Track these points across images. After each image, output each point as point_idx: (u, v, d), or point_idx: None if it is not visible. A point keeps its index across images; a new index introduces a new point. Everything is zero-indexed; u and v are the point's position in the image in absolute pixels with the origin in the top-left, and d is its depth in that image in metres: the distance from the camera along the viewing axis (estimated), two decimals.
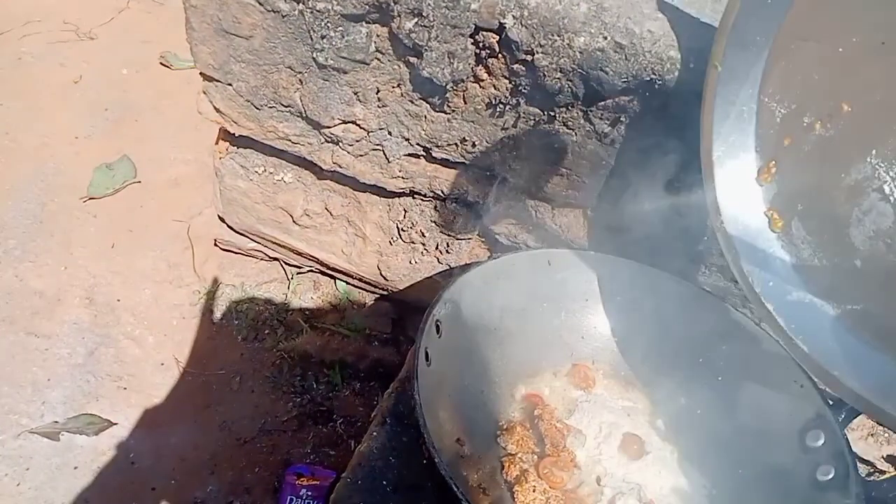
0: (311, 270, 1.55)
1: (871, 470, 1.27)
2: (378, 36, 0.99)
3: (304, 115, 1.12)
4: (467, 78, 0.99)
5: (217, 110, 1.19)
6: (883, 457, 1.27)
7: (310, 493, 1.26)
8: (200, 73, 1.14)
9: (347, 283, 1.52)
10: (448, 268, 1.31)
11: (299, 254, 1.45)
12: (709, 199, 0.90)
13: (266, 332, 1.53)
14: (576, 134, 1.01)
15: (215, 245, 1.60)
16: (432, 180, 1.19)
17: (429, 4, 0.91)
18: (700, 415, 0.97)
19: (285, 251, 1.47)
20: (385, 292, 1.47)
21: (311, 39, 1.01)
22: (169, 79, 2.13)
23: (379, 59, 1.02)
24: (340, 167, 1.20)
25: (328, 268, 1.46)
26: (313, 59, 1.03)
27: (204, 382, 1.44)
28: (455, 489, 0.69)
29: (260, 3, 0.99)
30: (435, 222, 1.27)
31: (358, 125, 1.11)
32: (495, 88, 1.00)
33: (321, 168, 1.22)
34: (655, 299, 1.03)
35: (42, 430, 1.29)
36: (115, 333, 1.48)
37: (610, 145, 1.00)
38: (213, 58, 1.09)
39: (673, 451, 0.96)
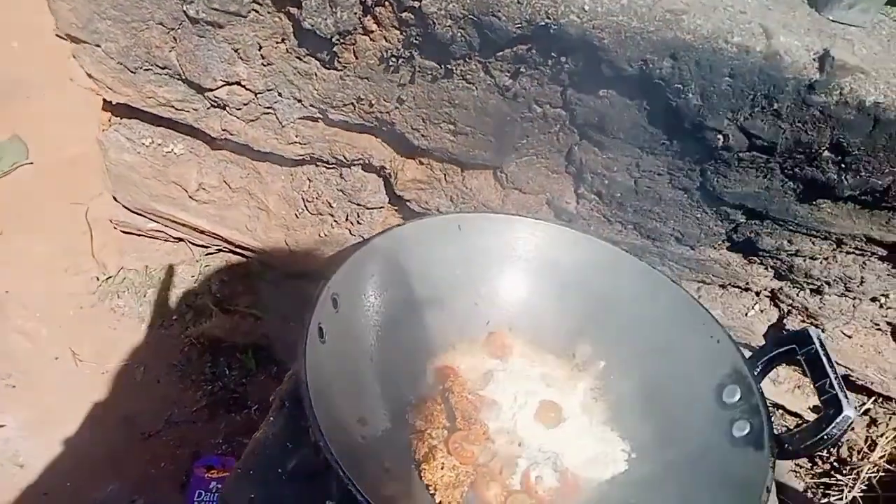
0: (221, 250, 1.45)
1: (799, 422, 1.27)
2: None
3: (183, 76, 1.02)
4: (355, 29, 0.91)
5: (89, 76, 1.07)
6: (810, 408, 1.26)
7: (219, 486, 1.17)
8: (66, 35, 1.02)
9: (258, 261, 1.43)
10: (362, 240, 1.23)
11: (202, 232, 1.34)
12: None
13: (173, 317, 1.43)
14: (476, 88, 0.94)
15: (116, 228, 1.48)
16: (333, 145, 1.11)
17: None
18: (618, 377, 0.93)
19: (188, 230, 1.36)
20: (298, 269, 1.38)
21: None
22: (66, 51, 1.97)
23: (257, 11, 0.92)
24: (231, 134, 1.10)
25: (235, 246, 1.37)
26: (184, 12, 0.93)
27: (104, 375, 1.34)
28: (342, 474, 0.62)
29: None
30: (342, 191, 1.18)
31: (243, 86, 1.02)
32: (386, 41, 0.92)
33: (211, 136, 1.12)
34: (572, 260, 0.98)
35: None
36: (2, 328, 1.35)
37: (513, 99, 0.94)
38: (75, 15, 0.98)
39: (592, 416, 0.92)
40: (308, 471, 0.85)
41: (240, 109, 1.05)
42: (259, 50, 0.97)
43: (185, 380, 1.35)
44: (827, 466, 1.30)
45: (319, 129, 1.09)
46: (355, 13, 0.89)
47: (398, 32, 0.90)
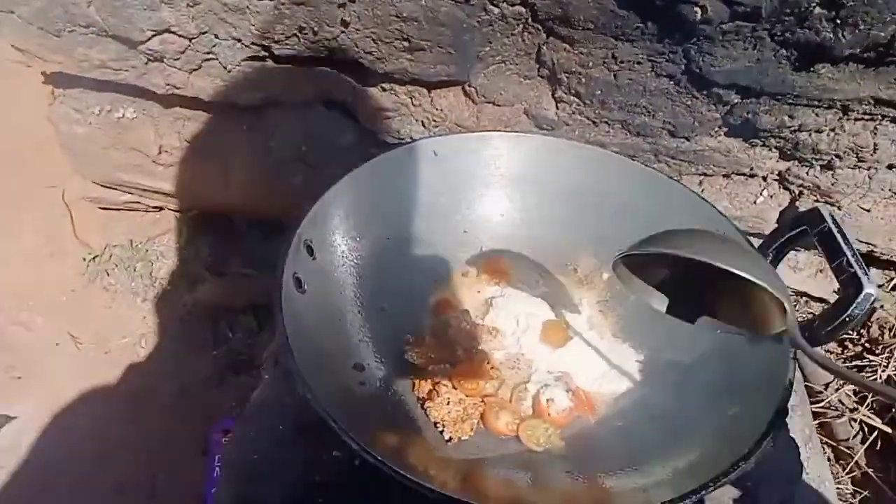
0: (202, 213, 1.40)
1: (824, 306, 1.21)
2: None
3: (109, 32, 0.94)
4: None
5: (14, 47, 0.99)
6: (835, 291, 1.20)
7: None
8: None
9: (241, 219, 1.38)
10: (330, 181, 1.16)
11: (175, 197, 1.29)
12: None
13: (167, 288, 1.40)
14: None
15: (94, 206, 1.43)
16: (288, 84, 1.03)
17: None
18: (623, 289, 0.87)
19: (162, 197, 1.31)
20: (282, 222, 1.32)
21: None
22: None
23: None
24: (177, 88, 1.03)
25: (214, 206, 1.31)
26: None
27: (107, 355, 1.32)
28: (334, 425, 0.59)
29: None
30: (308, 133, 1.11)
31: (174, 33, 0.93)
32: None
33: (157, 93, 1.05)
34: (561, 170, 0.92)
35: None
36: None
37: (465, 3, 0.84)
38: None
39: (600, 331, 0.87)
40: (308, 424, 0.83)
41: (178, 59, 0.97)
42: None
43: (190, 349, 1.34)
44: (859, 348, 1.24)
45: (269, 68, 1.01)
46: None
47: None
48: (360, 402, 0.74)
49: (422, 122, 1.06)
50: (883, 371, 1.17)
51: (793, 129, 0.93)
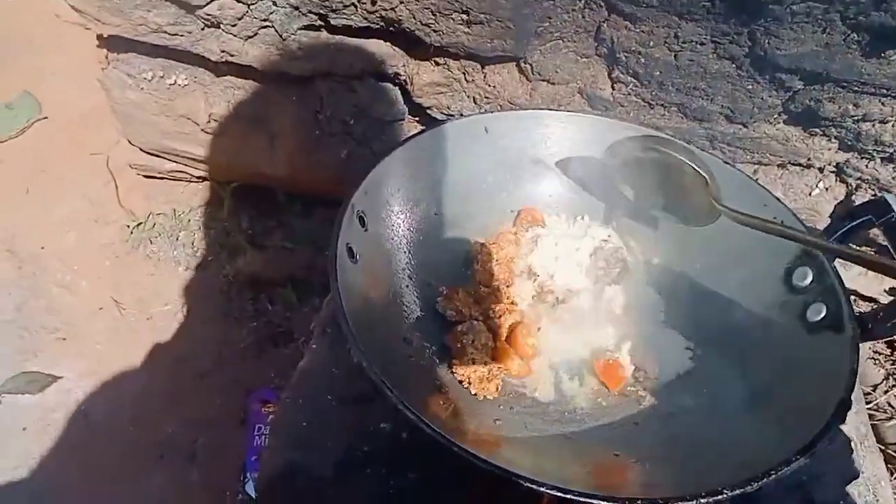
0: (245, 184, 1.40)
1: (874, 306, 1.18)
2: None
3: None
4: None
5: (75, 9, 1.00)
6: (885, 290, 1.17)
7: None
8: None
9: (284, 192, 1.38)
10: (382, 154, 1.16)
11: (220, 166, 1.29)
12: None
13: (208, 258, 1.42)
14: None
15: (139, 174, 1.45)
16: (341, 55, 1.02)
17: None
18: (676, 268, 0.86)
19: (207, 166, 1.32)
20: (324, 196, 1.33)
21: None
22: (60, 2, 1.89)
23: None
24: (231, 55, 1.03)
25: (257, 177, 1.32)
26: None
27: (149, 321, 1.34)
28: (389, 394, 0.59)
29: None
30: (357, 106, 1.11)
31: None
32: None
33: (212, 61, 1.05)
34: (612, 150, 0.89)
35: None
36: (43, 283, 1.36)
37: None
38: None
39: (650, 317, 0.85)
40: (356, 395, 0.84)
41: (235, 25, 0.97)
42: None
43: (229, 318, 1.35)
44: None
45: (323, 39, 1.01)
46: None
47: None
48: (411, 373, 0.74)
49: (473, 98, 1.05)
50: None
51: (856, 118, 0.91)
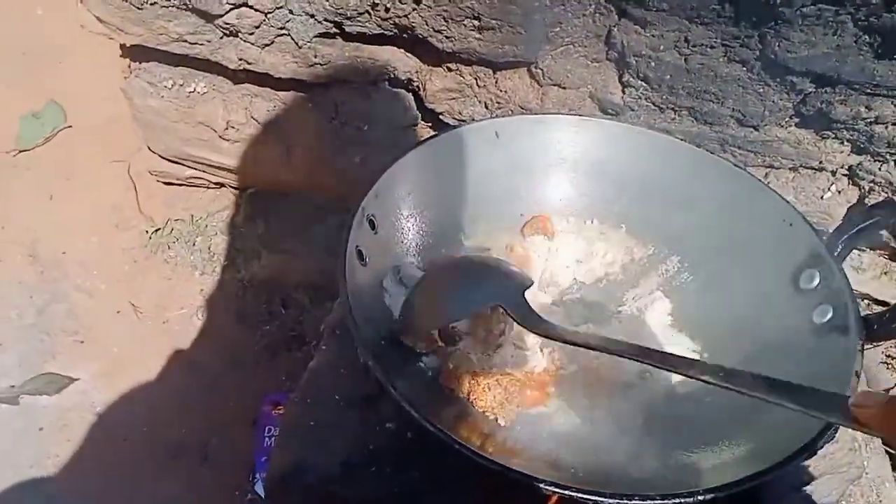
0: (261, 191, 1.43)
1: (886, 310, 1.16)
2: None
3: (189, 5, 0.97)
4: None
5: (99, 20, 1.04)
6: None
7: None
8: None
9: (299, 197, 1.40)
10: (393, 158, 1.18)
11: (238, 173, 1.32)
12: None
13: (224, 263, 1.44)
14: None
15: (158, 181, 1.48)
16: (356, 62, 1.04)
17: None
18: (685, 274, 0.86)
19: (225, 173, 1.34)
20: (339, 201, 1.34)
21: None
22: (88, 13, 1.94)
23: None
24: (249, 63, 1.05)
25: (274, 183, 1.34)
26: None
27: (165, 324, 1.36)
28: (393, 392, 0.60)
29: None
30: (371, 112, 1.12)
31: (252, 7, 0.96)
32: None
33: (230, 68, 1.08)
34: (623, 156, 0.90)
35: None
36: (64, 287, 1.39)
37: None
38: None
39: (657, 320, 0.85)
40: (363, 395, 0.84)
41: (252, 34, 1.00)
42: None
43: (243, 322, 1.36)
44: None
45: (338, 46, 1.03)
46: None
47: None
48: (417, 377, 0.75)
49: (485, 103, 1.06)
50: None
51: (869, 120, 0.90)
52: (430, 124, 1.16)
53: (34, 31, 1.86)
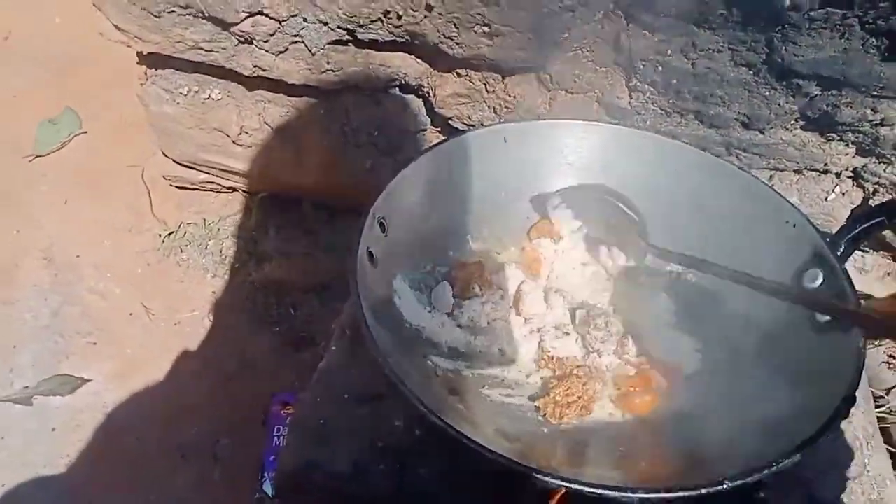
0: (273, 195, 1.45)
1: None
2: None
3: (206, 13, 0.99)
4: None
5: (118, 28, 1.06)
6: None
7: None
8: None
9: (310, 202, 1.42)
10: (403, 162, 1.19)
11: (250, 177, 1.34)
12: None
13: (235, 266, 1.45)
14: None
15: (171, 185, 1.50)
16: (367, 69, 1.06)
17: None
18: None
19: (238, 178, 1.37)
20: (349, 205, 1.36)
21: None
22: (104, 21, 1.98)
23: None
24: (263, 70, 1.08)
25: (285, 188, 1.36)
26: None
27: (176, 326, 1.38)
28: (404, 389, 0.61)
29: None
30: (381, 117, 1.14)
31: (267, 15, 0.98)
32: None
33: (244, 75, 1.10)
34: (630, 161, 0.91)
35: (13, 397, 1.25)
36: (78, 290, 1.41)
37: None
38: None
39: (657, 319, 0.86)
40: (373, 393, 0.85)
41: (267, 41, 1.02)
42: None
43: (254, 324, 1.38)
44: None
45: (350, 52, 1.05)
46: None
47: None
48: (427, 376, 0.76)
49: (494, 108, 1.08)
50: None
51: (874, 123, 0.91)
52: (439, 129, 1.18)
53: (51, 40, 1.91)
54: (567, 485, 0.55)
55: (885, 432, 1.09)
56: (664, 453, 0.68)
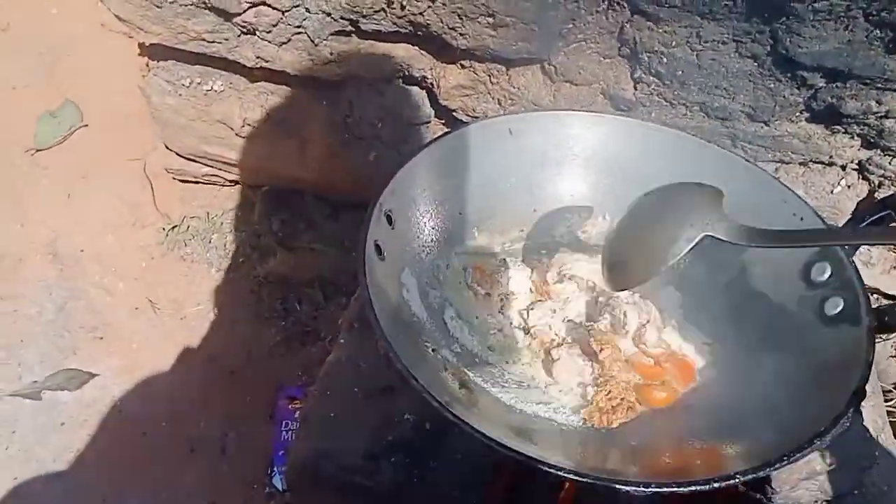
0: (276, 188, 1.45)
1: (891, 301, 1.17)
2: None
3: (208, 4, 0.99)
4: None
5: (120, 19, 1.05)
6: None
7: None
8: None
9: (313, 195, 1.42)
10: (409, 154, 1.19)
11: (253, 170, 1.34)
12: None
13: (239, 259, 1.46)
14: None
15: (174, 179, 1.50)
16: (370, 60, 1.06)
17: None
18: (695, 263, 0.87)
19: (241, 171, 1.36)
20: (353, 198, 1.36)
21: None
22: (104, 13, 1.97)
23: None
24: (266, 61, 1.07)
25: (288, 180, 1.36)
26: None
27: (182, 320, 1.38)
28: (414, 382, 0.61)
29: None
30: (385, 109, 1.14)
31: (269, 5, 0.98)
32: None
33: (247, 67, 1.09)
34: (635, 152, 0.91)
35: (22, 392, 1.26)
36: (83, 285, 1.41)
37: None
38: None
39: (669, 313, 0.86)
40: (382, 386, 0.86)
41: (269, 32, 1.02)
42: None
43: (259, 318, 1.38)
44: None
45: (353, 43, 1.04)
46: None
47: None
48: (436, 369, 0.76)
49: (498, 100, 1.08)
50: None
51: (879, 115, 0.91)
52: (443, 121, 1.17)
53: (49, 31, 1.88)
54: (578, 478, 0.56)
55: (893, 427, 1.10)
56: (675, 446, 0.68)
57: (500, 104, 1.08)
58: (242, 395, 1.29)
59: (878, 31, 0.81)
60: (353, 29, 1.01)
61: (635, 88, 1.00)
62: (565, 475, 0.55)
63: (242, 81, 1.18)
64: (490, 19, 0.93)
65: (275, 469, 1.16)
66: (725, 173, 0.85)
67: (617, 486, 0.55)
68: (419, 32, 1.00)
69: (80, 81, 1.74)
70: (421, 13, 0.95)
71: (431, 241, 0.85)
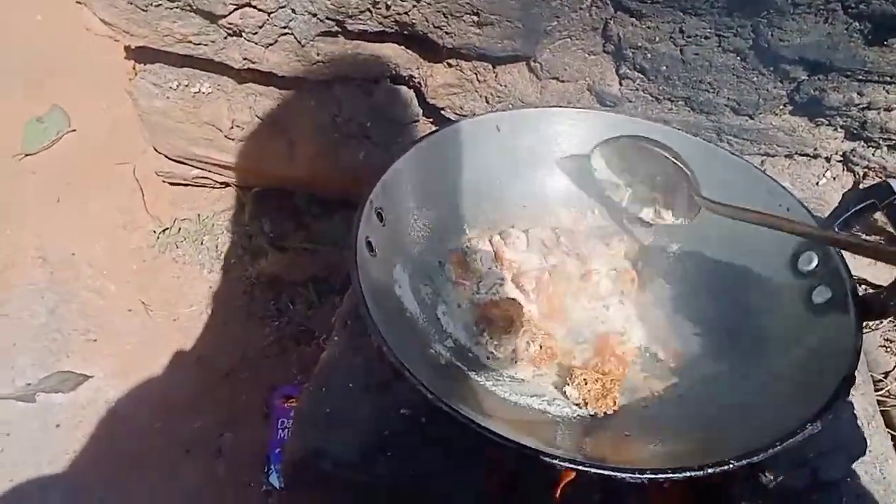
0: (266, 189, 1.45)
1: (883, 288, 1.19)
2: None
3: (193, 6, 0.99)
4: None
5: (105, 23, 1.05)
6: None
7: None
8: None
9: (304, 194, 1.42)
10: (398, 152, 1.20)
11: (243, 171, 1.34)
12: None
13: (231, 261, 1.46)
14: None
15: (164, 182, 1.50)
16: (357, 60, 1.07)
17: None
18: (683, 259, 0.88)
19: (231, 172, 1.36)
20: (343, 197, 1.37)
21: None
22: (90, 17, 1.95)
23: None
24: (253, 63, 1.07)
25: (278, 180, 1.36)
26: None
27: (175, 322, 1.39)
28: (409, 375, 0.62)
29: None
30: (373, 109, 1.15)
31: (255, 7, 0.98)
32: None
33: (234, 68, 1.10)
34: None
35: (15, 395, 1.26)
36: (75, 288, 1.42)
37: None
38: None
39: (658, 304, 0.88)
40: (378, 381, 0.87)
41: (256, 34, 1.02)
42: None
43: (252, 318, 1.39)
44: None
45: (340, 44, 1.05)
46: None
47: None
48: (431, 363, 0.77)
49: (485, 98, 1.08)
50: None
51: (861, 106, 0.93)
52: (431, 120, 1.18)
53: (35, 37, 1.88)
54: (576, 467, 0.57)
55: (884, 415, 1.12)
56: (669, 435, 0.69)
57: (487, 102, 1.09)
58: (237, 395, 1.30)
59: (858, 24, 0.82)
60: (340, 29, 1.02)
61: (621, 84, 1.01)
62: (562, 464, 0.56)
63: (230, 83, 1.18)
64: (475, 17, 0.93)
65: (271, 467, 1.17)
66: (713, 165, 0.86)
67: (613, 474, 0.56)
68: (405, 32, 1.00)
69: (67, 86, 1.73)
70: (406, 12, 0.95)
71: (422, 237, 0.86)
